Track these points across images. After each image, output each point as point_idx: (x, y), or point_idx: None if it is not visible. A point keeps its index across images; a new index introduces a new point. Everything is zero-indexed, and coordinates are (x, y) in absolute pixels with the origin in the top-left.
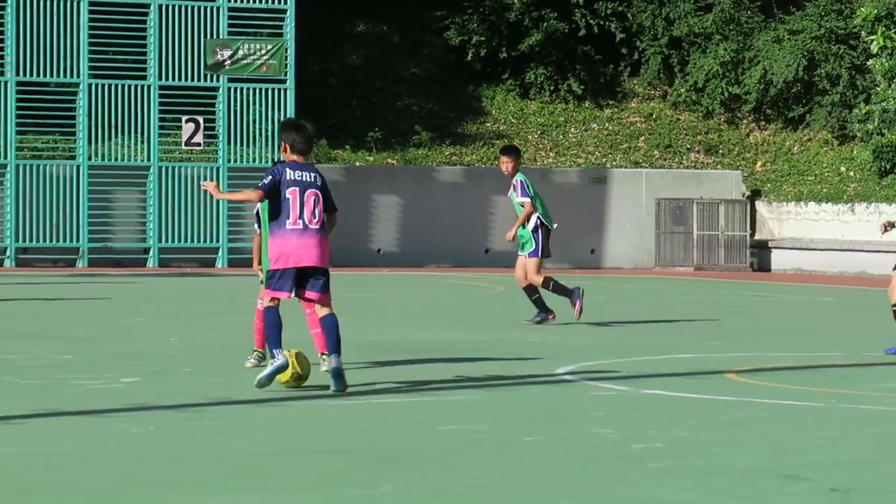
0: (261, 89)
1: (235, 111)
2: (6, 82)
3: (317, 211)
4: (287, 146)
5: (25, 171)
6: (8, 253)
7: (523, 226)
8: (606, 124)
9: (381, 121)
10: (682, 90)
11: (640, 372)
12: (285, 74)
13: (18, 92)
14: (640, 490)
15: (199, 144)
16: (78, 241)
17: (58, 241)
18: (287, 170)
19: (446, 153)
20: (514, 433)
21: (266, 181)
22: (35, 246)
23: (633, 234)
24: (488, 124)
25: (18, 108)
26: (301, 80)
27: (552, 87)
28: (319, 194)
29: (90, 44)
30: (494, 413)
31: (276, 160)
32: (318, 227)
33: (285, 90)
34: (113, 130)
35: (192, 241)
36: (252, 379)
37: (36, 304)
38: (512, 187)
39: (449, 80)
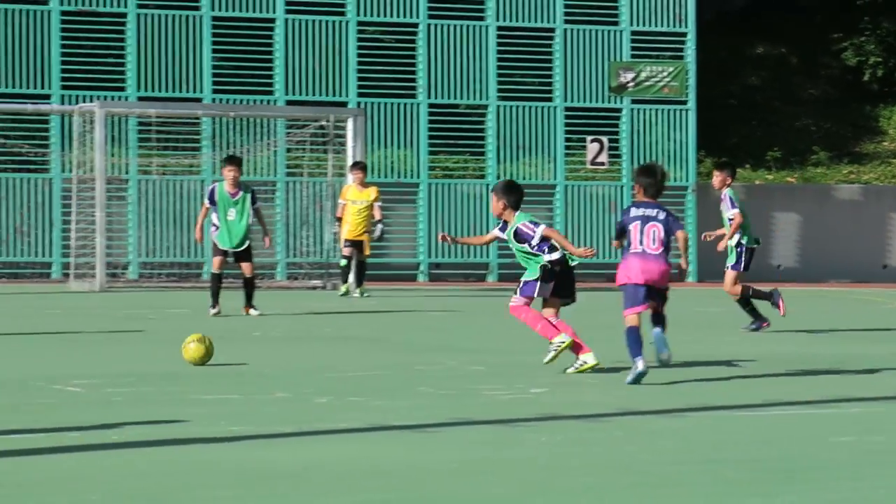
0: (663, 110)
1: (638, 131)
2: (418, 104)
3: (656, 239)
4: (641, 188)
5: (437, 190)
6: (421, 268)
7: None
8: None
9: (780, 140)
10: None
11: None
12: (686, 96)
13: (430, 114)
14: None
15: (602, 164)
16: (489, 256)
17: (467, 256)
18: (632, 209)
19: (844, 172)
20: None
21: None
22: (447, 262)
23: None
24: (885, 143)
25: (430, 129)
26: (702, 102)
27: None
28: (660, 227)
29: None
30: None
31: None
32: (657, 252)
33: (686, 111)
34: (520, 150)
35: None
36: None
37: (448, 316)
38: (721, 200)
39: (846, 101)
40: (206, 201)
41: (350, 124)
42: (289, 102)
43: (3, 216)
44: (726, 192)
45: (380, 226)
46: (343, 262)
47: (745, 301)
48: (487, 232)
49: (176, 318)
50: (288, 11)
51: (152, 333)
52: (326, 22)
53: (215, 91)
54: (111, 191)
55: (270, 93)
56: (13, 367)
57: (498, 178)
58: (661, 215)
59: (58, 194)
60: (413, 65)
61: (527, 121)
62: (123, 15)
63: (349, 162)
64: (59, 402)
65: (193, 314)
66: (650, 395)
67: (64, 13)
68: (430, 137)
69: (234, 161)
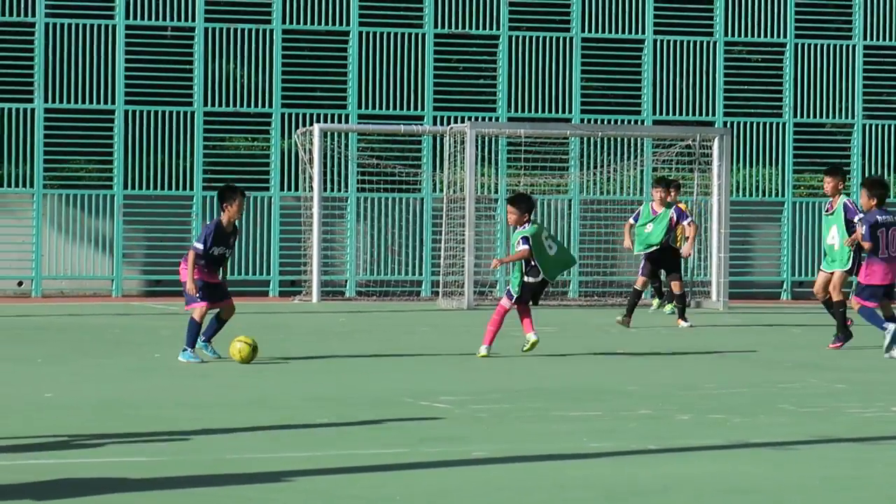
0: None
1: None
2: (784, 123)
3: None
4: (876, 198)
5: (801, 209)
6: (784, 286)
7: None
8: None
9: None
10: None
11: None
12: None
13: (796, 133)
14: None
15: None
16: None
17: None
18: (877, 216)
19: None
20: None
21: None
22: (810, 279)
23: None
24: None
25: (796, 147)
26: None
27: None
28: None
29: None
30: None
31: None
32: None
33: None
34: (886, 169)
35: None
36: None
37: (810, 332)
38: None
39: None
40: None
41: (716, 143)
42: (655, 122)
43: (376, 236)
44: (843, 199)
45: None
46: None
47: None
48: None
49: (542, 335)
50: (657, 33)
51: (517, 351)
52: (696, 42)
53: (583, 111)
54: (480, 210)
55: (638, 112)
56: (383, 384)
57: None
58: None
59: (428, 214)
60: (780, 84)
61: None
62: (496, 37)
63: (715, 181)
64: (425, 417)
65: (559, 332)
66: None
67: (437, 36)
68: (796, 156)
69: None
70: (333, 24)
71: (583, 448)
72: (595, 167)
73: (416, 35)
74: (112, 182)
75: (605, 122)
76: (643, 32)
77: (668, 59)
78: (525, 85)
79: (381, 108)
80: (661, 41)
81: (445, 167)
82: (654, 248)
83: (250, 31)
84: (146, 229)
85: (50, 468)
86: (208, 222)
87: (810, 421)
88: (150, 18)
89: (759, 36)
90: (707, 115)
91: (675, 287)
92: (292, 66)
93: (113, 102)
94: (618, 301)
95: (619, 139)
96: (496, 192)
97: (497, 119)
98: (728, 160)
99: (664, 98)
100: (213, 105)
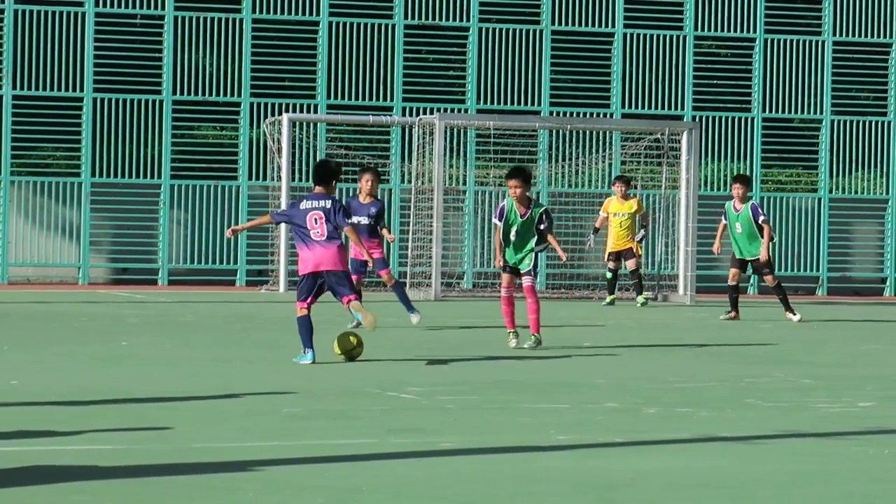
0: None
1: None
2: (753, 118)
3: None
4: None
5: (769, 204)
6: (752, 281)
7: None
8: None
9: None
10: None
11: None
12: None
13: (764, 128)
14: None
15: None
16: (818, 270)
17: (800, 270)
18: None
19: None
20: None
21: None
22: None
23: None
24: None
25: (764, 142)
26: None
27: None
28: None
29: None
30: None
31: None
32: None
33: None
34: (853, 165)
35: None
36: None
37: (778, 327)
38: None
39: None
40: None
41: (685, 138)
42: (624, 115)
43: None
44: None
45: (642, 231)
46: (609, 274)
47: None
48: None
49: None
50: (626, 26)
51: (484, 343)
52: (665, 36)
53: (552, 104)
54: (448, 202)
55: (607, 105)
56: (350, 374)
57: (830, 191)
58: None
59: (396, 205)
60: (748, 79)
61: (861, 136)
62: (466, 29)
63: (683, 175)
64: (392, 408)
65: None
66: None
67: (407, 27)
68: (764, 151)
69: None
70: (303, 13)
71: (550, 440)
72: (564, 160)
73: (386, 26)
74: (80, 170)
75: (575, 114)
76: (613, 26)
77: (637, 53)
78: (494, 77)
79: (350, 98)
80: (631, 35)
81: (414, 158)
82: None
83: (220, 20)
84: (113, 217)
85: (17, 455)
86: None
87: (777, 415)
88: (119, 6)
89: (728, 31)
90: (676, 109)
91: (769, 280)
92: (262, 56)
93: (81, 90)
94: (584, 294)
95: (588, 132)
96: (464, 183)
97: (466, 111)
98: (697, 154)
99: (633, 91)
100: (181, 94)
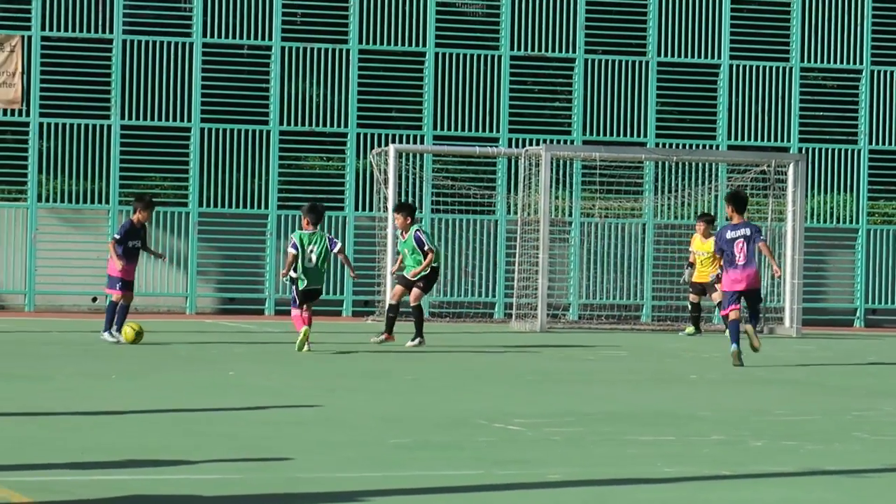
0: None
1: None
2: (859, 150)
3: None
4: None
5: (875, 236)
6: (858, 314)
7: None
8: None
9: None
10: None
11: None
12: None
13: (871, 159)
14: None
15: None
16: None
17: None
18: None
19: None
20: None
21: None
22: (883, 307)
23: None
24: None
25: (871, 174)
26: None
27: None
28: None
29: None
30: None
31: None
32: None
33: None
34: None
35: None
36: None
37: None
38: None
39: None
40: None
41: (791, 169)
42: (730, 147)
43: (450, 257)
44: None
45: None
46: (690, 306)
47: None
48: None
49: (614, 359)
50: (732, 58)
51: (590, 374)
52: (771, 68)
53: (658, 135)
54: (554, 233)
55: (713, 137)
56: (457, 405)
57: None
58: None
59: (502, 236)
60: (855, 110)
61: None
62: (572, 60)
63: (790, 206)
64: (499, 440)
65: (630, 355)
66: None
67: (513, 58)
68: (871, 183)
69: None
70: (410, 44)
71: (656, 472)
72: (669, 191)
73: (493, 57)
74: (187, 199)
75: (680, 146)
76: (719, 57)
77: (743, 84)
78: (600, 108)
79: (456, 129)
80: (737, 66)
81: (520, 189)
82: None
83: (326, 50)
84: (220, 247)
85: (120, 484)
86: None
87: (885, 449)
88: (226, 37)
89: (834, 62)
90: (782, 140)
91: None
92: (368, 87)
93: (189, 120)
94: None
95: (693, 164)
96: (570, 214)
97: (572, 142)
98: (803, 186)
99: (739, 123)
100: (288, 124)
